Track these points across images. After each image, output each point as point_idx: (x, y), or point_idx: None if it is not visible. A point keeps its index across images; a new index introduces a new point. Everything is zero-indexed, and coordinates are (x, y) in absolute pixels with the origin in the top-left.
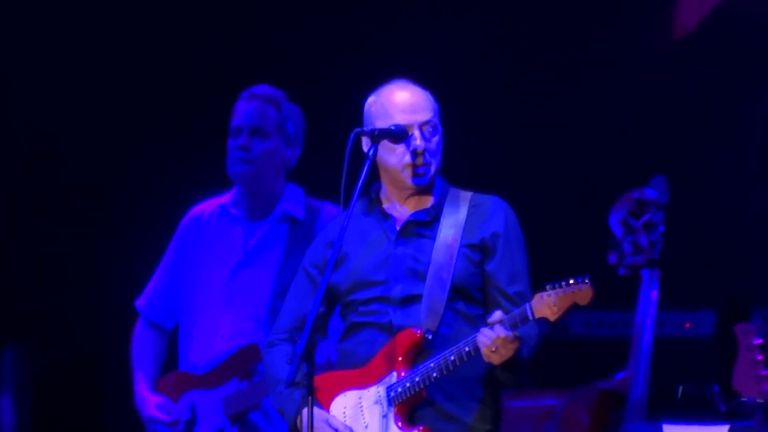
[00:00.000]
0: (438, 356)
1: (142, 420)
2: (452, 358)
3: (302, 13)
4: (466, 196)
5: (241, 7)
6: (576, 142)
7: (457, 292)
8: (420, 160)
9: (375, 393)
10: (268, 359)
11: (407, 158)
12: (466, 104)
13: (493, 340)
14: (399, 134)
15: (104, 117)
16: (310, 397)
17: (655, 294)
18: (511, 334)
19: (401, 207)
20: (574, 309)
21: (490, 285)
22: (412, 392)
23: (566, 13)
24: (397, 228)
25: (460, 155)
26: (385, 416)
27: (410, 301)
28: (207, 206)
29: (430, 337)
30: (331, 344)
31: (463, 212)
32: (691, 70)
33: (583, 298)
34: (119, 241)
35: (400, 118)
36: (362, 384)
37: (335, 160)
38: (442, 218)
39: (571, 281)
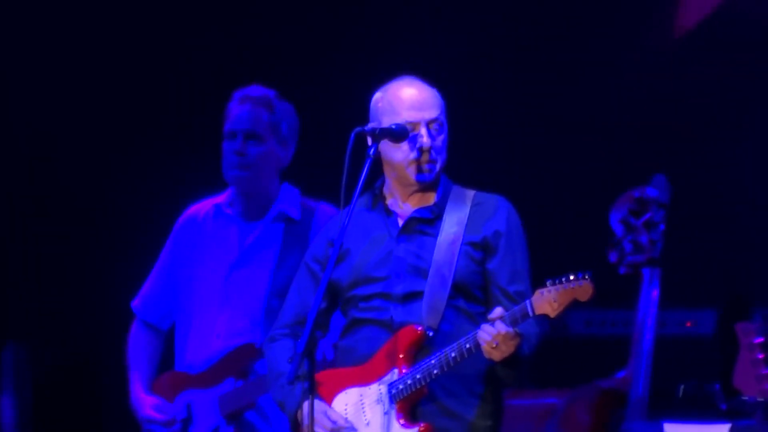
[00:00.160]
0: (439, 353)
1: (138, 420)
2: (453, 354)
3: (302, 13)
4: (469, 194)
5: (241, 7)
6: (576, 141)
7: (458, 290)
8: (426, 157)
9: (376, 390)
10: (269, 353)
11: (413, 155)
12: (466, 104)
13: (493, 336)
14: (400, 133)
15: (104, 117)
16: (311, 395)
17: (655, 293)
18: (511, 330)
19: (404, 203)
20: (574, 306)
21: (491, 283)
22: (414, 389)
23: (566, 13)
24: (400, 225)
25: (461, 155)
26: (386, 413)
27: (411, 298)
28: (202, 206)
29: (431, 334)
30: (327, 342)
31: (465, 210)
32: (691, 70)
33: (584, 294)
34: (119, 241)
35: (408, 115)
36: (363, 381)
37: (334, 160)
38: (444, 216)
39: (572, 277)
